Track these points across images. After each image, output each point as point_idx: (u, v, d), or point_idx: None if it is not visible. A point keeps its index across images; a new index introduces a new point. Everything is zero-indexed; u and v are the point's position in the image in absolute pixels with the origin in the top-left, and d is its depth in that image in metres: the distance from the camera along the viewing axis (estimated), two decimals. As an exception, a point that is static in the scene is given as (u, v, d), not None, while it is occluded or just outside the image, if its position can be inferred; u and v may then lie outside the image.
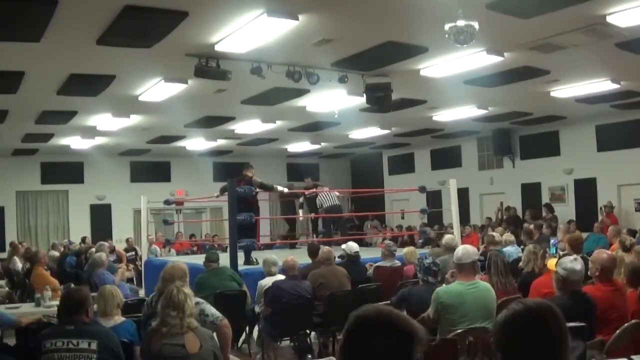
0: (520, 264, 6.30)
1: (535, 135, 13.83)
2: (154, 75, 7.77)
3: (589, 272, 4.24)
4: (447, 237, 7.40)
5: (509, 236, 8.80)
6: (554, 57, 7.23)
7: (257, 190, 8.47)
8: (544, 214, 12.96)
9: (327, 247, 7.05)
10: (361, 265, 7.32)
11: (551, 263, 4.65)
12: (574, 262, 3.83)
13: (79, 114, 9.97)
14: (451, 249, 6.76)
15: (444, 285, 4.62)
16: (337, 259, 7.31)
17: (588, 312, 3.67)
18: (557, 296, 3.93)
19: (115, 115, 10.27)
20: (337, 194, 10.86)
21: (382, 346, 1.46)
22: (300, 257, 6.98)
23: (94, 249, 9.65)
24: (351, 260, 7.17)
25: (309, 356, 5.95)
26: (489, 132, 14.23)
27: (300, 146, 15.70)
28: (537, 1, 5.44)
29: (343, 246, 7.54)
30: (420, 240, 12.99)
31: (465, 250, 4.33)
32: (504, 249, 8.02)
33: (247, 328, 6.58)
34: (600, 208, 12.04)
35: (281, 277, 6.21)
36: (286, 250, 10.15)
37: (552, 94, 9.62)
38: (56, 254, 10.84)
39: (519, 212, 13.92)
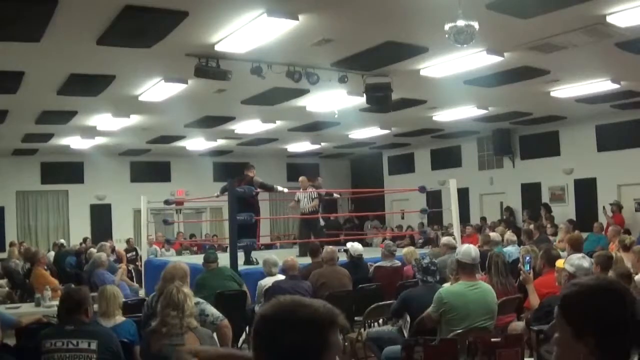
0: (520, 264, 6.30)
1: (535, 135, 13.82)
2: (154, 75, 7.77)
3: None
4: (446, 238, 7.44)
5: (511, 235, 8.79)
6: (554, 57, 7.22)
7: (258, 190, 8.47)
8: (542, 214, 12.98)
9: (330, 247, 7.03)
10: (364, 266, 7.32)
11: (559, 262, 4.67)
12: (581, 259, 3.85)
13: (79, 114, 9.97)
14: (451, 248, 6.78)
15: (447, 284, 4.62)
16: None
17: None
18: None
19: (115, 115, 10.27)
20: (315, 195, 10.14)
21: (287, 341, 1.41)
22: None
23: (93, 249, 9.66)
24: (354, 262, 7.17)
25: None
26: (489, 132, 14.22)
27: (300, 146, 15.70)
28: (537, 1, 5.44)
29: (348, 245, 7.50)
30: (420, 240, 13.01)
31: (468, 251, 4.32)
32: (504, 249, 8.03)
33: (247, 328, 6.58)
34: (604, 207, 12.02)
35: (281, 277, 6.21)
36: (289, 250, 10.15)
37: (552, 94, 9.62)
38: (51, 254, 10.91)
39: (519, 212, 13.96)
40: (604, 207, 12.01)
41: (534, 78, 8.43)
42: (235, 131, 12.62)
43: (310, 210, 9.97)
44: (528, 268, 4.79)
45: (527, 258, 4.89)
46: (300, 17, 5.60)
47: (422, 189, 10.65)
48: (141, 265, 10.76)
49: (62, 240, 13.09)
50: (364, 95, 8.18)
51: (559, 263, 4.58)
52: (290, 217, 16.53)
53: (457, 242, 8.02)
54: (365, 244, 13.08)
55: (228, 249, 8.40)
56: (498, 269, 5.10)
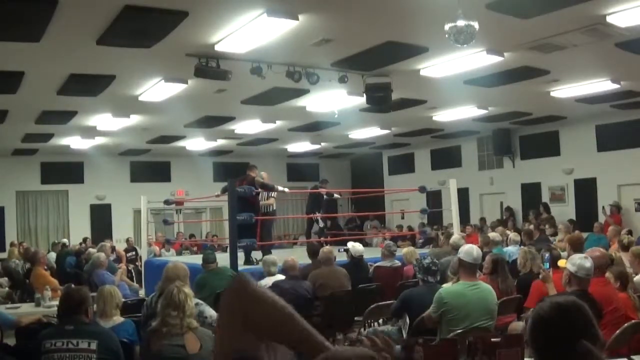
0: (518, 266, 6.30)
1: (535, 135, 13.83)
2: (154, 75, 7.77)
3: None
4: (454, 238, 7.43)
5: (515, 236, 8.80)
6: (554, 57, 7.22)
7: (258, 190, 8.47)
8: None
9: (327, 247, 7.04)
10: (365, 266, 7.31)
11: (561, 262, 4.66)
12: (584, 259, 3.84)
13: (79, 114, 9.97)
14: (455, 249, 6.78)
15: (448, 284, 4.61)
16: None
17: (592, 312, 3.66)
18: (562, 293, 3.92)
19: (115, 115, 10.26)
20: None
21: None
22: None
23: (92, 249, 9.65)
24: (354, 262, 7.17)
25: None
26: (489, 132, 14.22)
27: (300, 146, 15.70)
28: (537, 1, 5.44)
29: (349, 245, 7.49)
30: (421, 240, 13.00)
31: (470, 251, 4.32)
32: (505, 249, 8.03)
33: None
34: (603, 207, 12.02)
35: (281, 277, 6.21)
36: (289, 250, 10.14)
37: (552, 94, 9.62)
38: (53, 255, 10.89)
39: (519, 212, 13.93)
40: (603, 207, 12.01)
41: (534, 78, 8.43)
42: (235, 131, 12.62)
43: (265, 209, 9.46)
44: (548, 266, 4.77)
45: (547, 256, 4.88)
46: (300, 17, 5.60)
47: (422, 189, 10.65)
48: (141, 265, 10.76)
49: (64, 240, 13.08)
50: (364, 95, 8.18)
51: (561, 263, 4.57)
52: (290, 217, 16.53)
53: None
54: (365, 244, 13.08)
55: (228, 249, 8.39)
56: (505, 271, 5.10)
